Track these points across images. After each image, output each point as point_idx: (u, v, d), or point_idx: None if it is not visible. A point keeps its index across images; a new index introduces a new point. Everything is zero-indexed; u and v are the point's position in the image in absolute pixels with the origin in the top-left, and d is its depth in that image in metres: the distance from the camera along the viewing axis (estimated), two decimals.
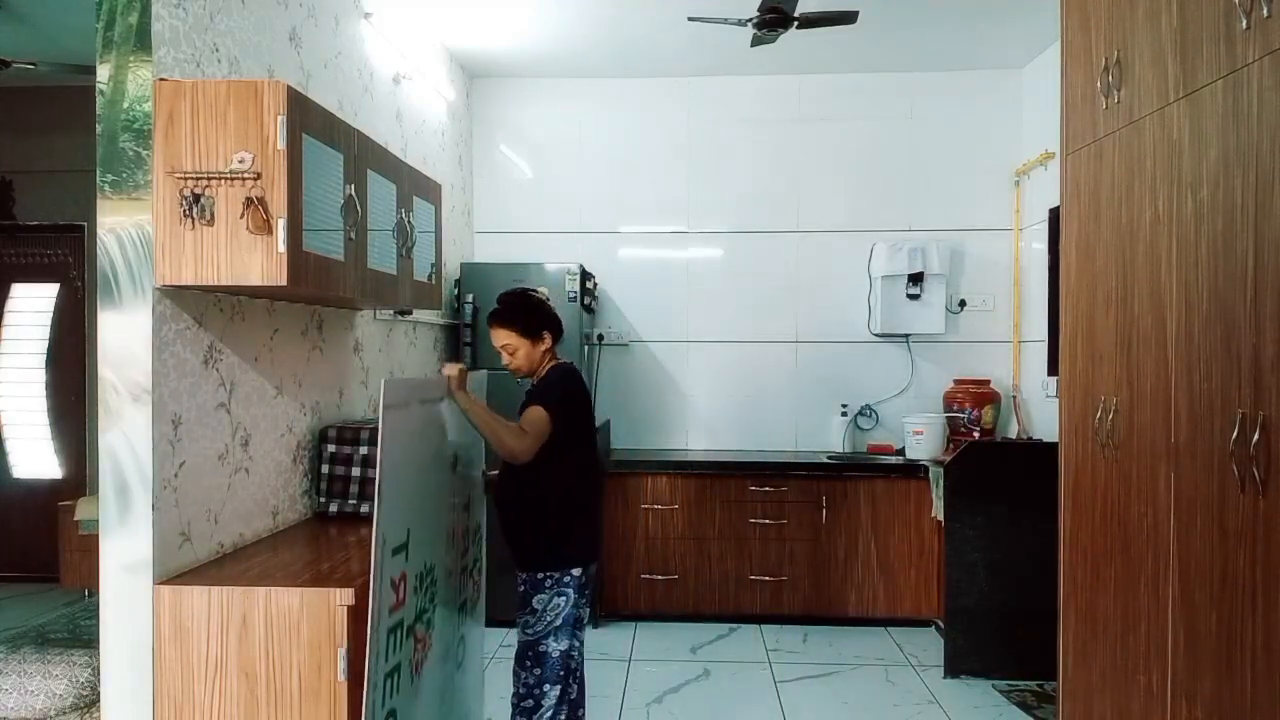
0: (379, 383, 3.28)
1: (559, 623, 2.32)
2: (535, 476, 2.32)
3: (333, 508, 2.58)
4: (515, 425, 2.25)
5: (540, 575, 2.32)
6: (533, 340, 2.37)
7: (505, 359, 2.40)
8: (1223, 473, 1.77)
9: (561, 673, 2.32)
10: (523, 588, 2.35)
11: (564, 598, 2.32)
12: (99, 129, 1.92)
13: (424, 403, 2.06)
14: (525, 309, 2.40)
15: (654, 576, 4.05)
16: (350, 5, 3.07)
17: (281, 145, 1.89)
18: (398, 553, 1.90)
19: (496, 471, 2.51)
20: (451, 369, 2.18)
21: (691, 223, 4.60)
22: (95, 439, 3.70)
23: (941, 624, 3.69)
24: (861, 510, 4.00)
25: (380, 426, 1.80)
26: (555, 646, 2.32)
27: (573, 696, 2.41)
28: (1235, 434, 1.71)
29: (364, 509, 2.53)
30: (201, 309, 2.10)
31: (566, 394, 2.35)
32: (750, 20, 3.24)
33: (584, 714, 2.49)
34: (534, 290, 2.55)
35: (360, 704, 1.83)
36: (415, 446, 2.02)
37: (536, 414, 2.25)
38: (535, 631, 2.33)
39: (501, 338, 2.37)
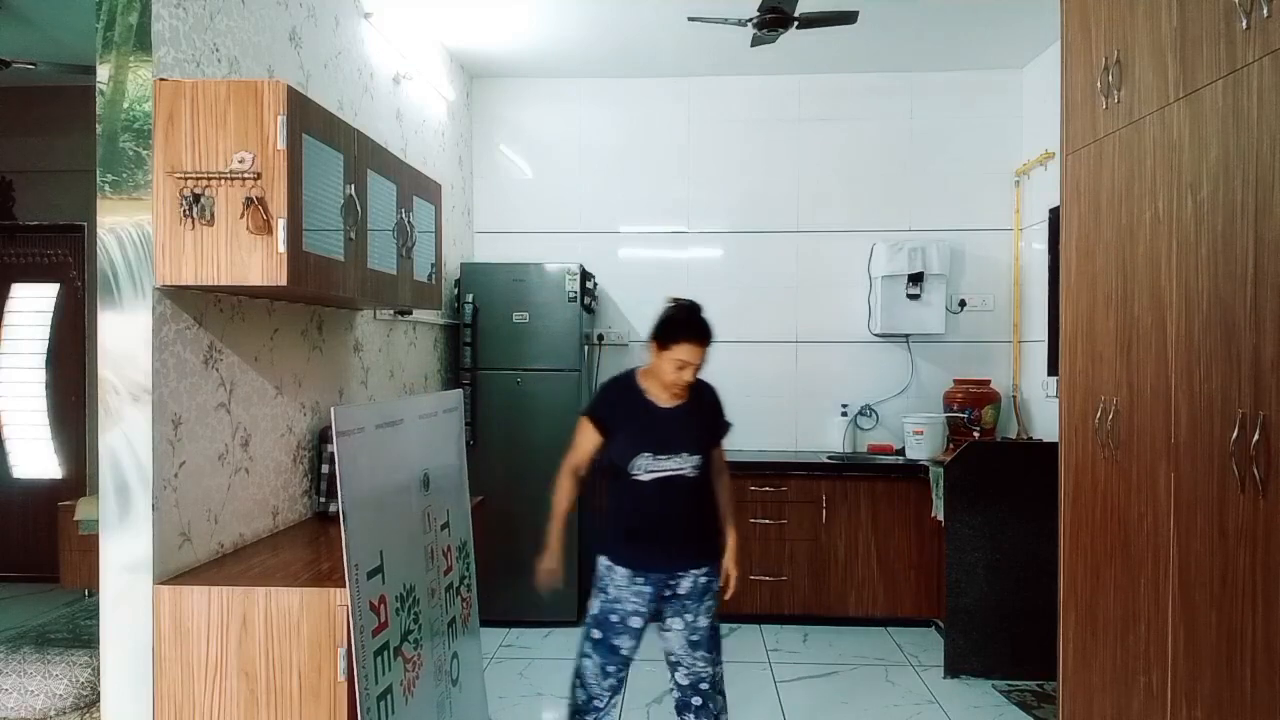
0: (379, 383, 3.29)
1: None
2: (709, 481, 2.40)
3: (333, 508, 2.58)
4: (728, 492, 2.46)
5: (717, 563, 2.35)
6: None
7: (687, 377, 2.24)
8: (1223, 473, 1.77)
9: None
10: (705, 578, 2.31)
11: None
12: (99, 129, 1.92)
13: (380, 427, 2.07)
14: None
15: None
16: (350, 5, 3.07)
17: (281, 145, 1.89)
18: (373, 575, 1.92)
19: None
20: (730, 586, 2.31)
21: (691, 223, 4.60)
22: (95, 439, 3.71)
23: (941, 624, 3.69)
24: (861, 510, 4.00)
25: (336, 454, 1.82)
26: None
27: None
28: (1235, 434, 1.71)
29: None
30: (201, 309, 2.10)
31: None
32: (750, 20, 3.24)
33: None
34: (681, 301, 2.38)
35: (359, 705, 1.83)
36: (377, 470, 2.03)
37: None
38: (714, 613, 2.35)
39: (702, 358, 2.24)
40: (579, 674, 2.31)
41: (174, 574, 1.98)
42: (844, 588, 4.01)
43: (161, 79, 1.93)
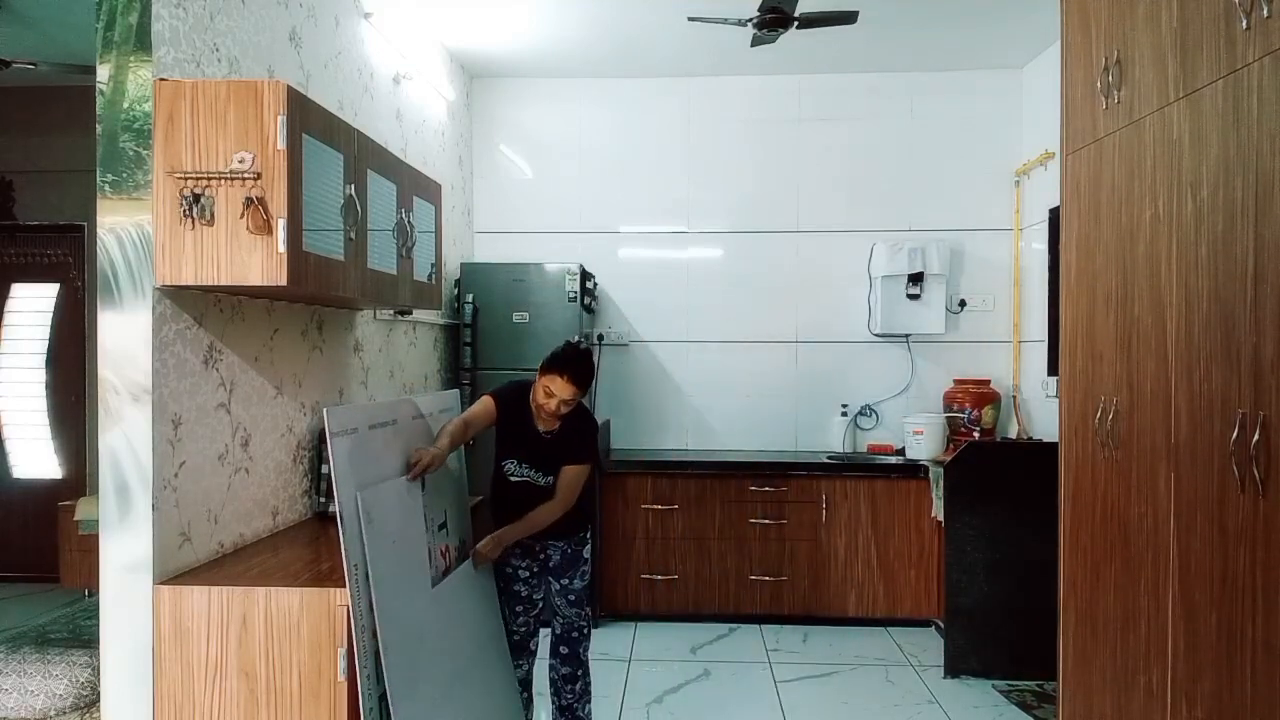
0: (378, 383, 3.29)
1: None
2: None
3: (332, 508, 2.57)
4: (554, 500, 2.55)
5: (583, 533, 2.72)
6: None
7: (550, 407, 2.46)
8: (1223, 473, 1.77)
9: None
10: (569, 550, 2.68)
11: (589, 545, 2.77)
12: (99, 129, 1.92)
13: (373, 428, 2.07)
14: (592, 371, 2.55)
15: (654, 576, 4.05)
16: (350, 5, 3.07)
17: (281, 145, 1.89)
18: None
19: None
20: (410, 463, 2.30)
21: (691, 223, 4.60)
22: (95, 439, 3.71)
23: (941, 624, 3.69)
24: (861, 510, 4.00)
25: (330, 455, 1.82)
26: None
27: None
28: (1235, 434, 1.71)
29: None
30: (201, 309, 2.10)
31: (595, 434, 2.70)
32: (750, 20, 3.24)
33: None
34: (579, 342, 2.67)
35: (359, 705, 1.83)
36: (371, 471, 2.03)
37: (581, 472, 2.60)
38: (589, 577, 2.75)
39: (571, 396, 2.45)
40: (505, 622, 2.73)
41: (174, 574, 1.98)
42: (844, 588, 4.01)
43: (161, 79, 1.93)
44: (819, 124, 4.54)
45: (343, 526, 1.84)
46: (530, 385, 2.56)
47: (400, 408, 2.30)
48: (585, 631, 2.76)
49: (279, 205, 1.89)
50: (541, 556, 2.70)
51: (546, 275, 4.01)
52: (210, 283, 1.91)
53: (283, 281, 1.90)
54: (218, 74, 2.19)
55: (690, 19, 3.34)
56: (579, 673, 2.75)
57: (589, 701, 2.79)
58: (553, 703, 2.78)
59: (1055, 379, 3.61)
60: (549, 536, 2.63)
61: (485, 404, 2.55)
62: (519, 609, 2.71)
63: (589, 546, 2.75)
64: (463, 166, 4.47)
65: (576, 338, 2.58)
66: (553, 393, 2.43)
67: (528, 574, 2.70)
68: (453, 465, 2.61)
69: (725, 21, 3.31)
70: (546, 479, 2.57)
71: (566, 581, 2.68)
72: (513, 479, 2.59)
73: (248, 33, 2.33)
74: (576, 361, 2.44)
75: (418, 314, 3.65)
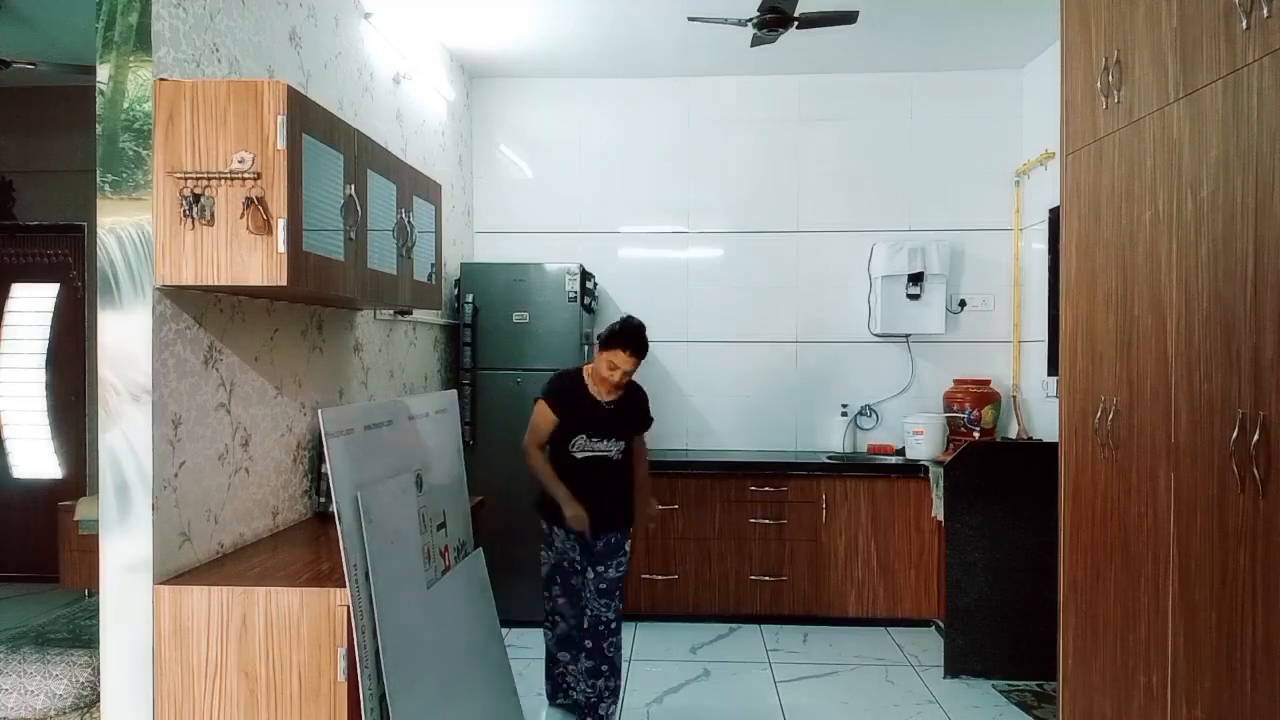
0: (379, 383, 3.29)
1: None
2: (628, 463, 2.92)
3: (332, 507, 2.57)
4: (645, 466, 2.96)
5: (631, 526, 2.89)
6: None
7: (615, 378, 2.73)
8: (1223, 473, 1.77)
9: None
10: (615, 539, 2.83)
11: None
12: (99, 129, 1.92)
13: (369, 428, 2.08)
14: (648, 342, 2.78)
15: (654, 576, 4.05)
16: (350, 5, 3.07)
17: (281, 145, 1.89)
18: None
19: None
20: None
21: (691, 223, 4.61)
22: (95, 439, 3.71)
23: (941, 624, 3.69)
24: (861, 510, 4.00)
25: (326, 455, 1.82)
26: None
27: None
28: (1235, 434, 1.71)
29: None
30: (201, 309, 2.10)
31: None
32: (750, 20, 3.24)
33: None
34: (630, 317, 2.86)
35: (359, 705, 1.83)
36: (368, 471, 2.04)
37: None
38: (625, 568, 2.87)
39: (633, 367, 2.73)
40: (559, 613, 2.87)
41: (174, 574, 1.98)
42: (844, 588, 4.01)
43: (161, 79, 1.93)
44: (819, 124, 4.54)
45: (341, 526, 1.84)
46: (570, 371, 2.88)
47: (396, 408, 2.31)
48: (612, 627, 2.81)
49: (279, 205, 1.88)
50: (591, 543, 2.81)
51: (546, 275, 4.01)
52: (210, 283, 1.91)
53: (283, 281, 1.90)
54: (218, 74, 2.18)
55: (690, 19, 3.35)
56: (602, 668, 2.77)
57: (614, 704, 2.82)
58: (576, 696, 2.85)
59: (1055, 379, 3.61)
60: (603, 528, 2.78)
61: (542, 412, 2.80)
62: (573, 600, 2.84)
63: (630, 541, 2.89)
64: (463, 166, 4.47)
65: (628, 314, 2.86)
66: (616, 365, 2.70)
67: (581, 565, 2.83)
68: (453, 465, 2.61)
69: (725, 21, 3.31)
70: (617, 446, 2.81)
71: (602, 569, 2.80)
72: (579, 455, 2.78)
73: (248, 33, 2.33)
74: (638, 335, 2.73)
75: (418, 314, 3.65)
